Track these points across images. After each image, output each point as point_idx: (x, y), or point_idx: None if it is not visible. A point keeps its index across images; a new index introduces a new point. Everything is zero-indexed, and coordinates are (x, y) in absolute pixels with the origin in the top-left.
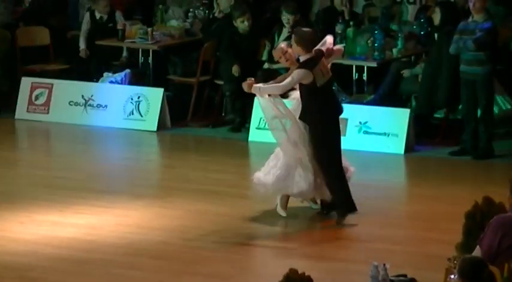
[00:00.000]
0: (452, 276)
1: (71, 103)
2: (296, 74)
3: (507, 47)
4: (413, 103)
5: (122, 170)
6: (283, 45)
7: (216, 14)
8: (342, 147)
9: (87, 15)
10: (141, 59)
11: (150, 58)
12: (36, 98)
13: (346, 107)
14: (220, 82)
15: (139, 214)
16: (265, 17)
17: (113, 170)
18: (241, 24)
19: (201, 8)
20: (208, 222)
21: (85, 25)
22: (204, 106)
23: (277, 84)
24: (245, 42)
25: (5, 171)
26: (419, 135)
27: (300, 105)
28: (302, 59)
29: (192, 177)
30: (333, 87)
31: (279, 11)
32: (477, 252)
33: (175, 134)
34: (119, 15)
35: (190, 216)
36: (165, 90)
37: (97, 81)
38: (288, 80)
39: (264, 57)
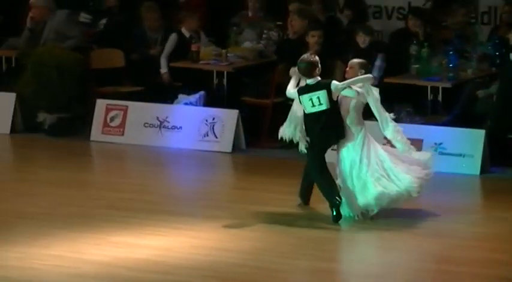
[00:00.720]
0: None
1: (146, 125)
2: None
3: None
4: (488, 123)
5: (196, 192)
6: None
7: (290, 36)
8: None
9: (173, 36)
10: (215, 81)
11: (225, 80)
12: (111, 119)
13: (421, 128)
14: None
15: (213, 236)
16: (338, 38)
17: (187, 192)
18: (312, 39)
19: (275, 30)
20: (282, 245)
21: (170, 46)
22: (278, 127)
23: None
24: None
25: (80, 193)
26: (494, 156)
27: None
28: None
29: (266, 199)
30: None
31: (353, 33)
32: None
33: (249, 155)
34: (203, 35)
35: (264, 238)
36: (239, 112)
37: (172, 102)
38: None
39: (338, 77)
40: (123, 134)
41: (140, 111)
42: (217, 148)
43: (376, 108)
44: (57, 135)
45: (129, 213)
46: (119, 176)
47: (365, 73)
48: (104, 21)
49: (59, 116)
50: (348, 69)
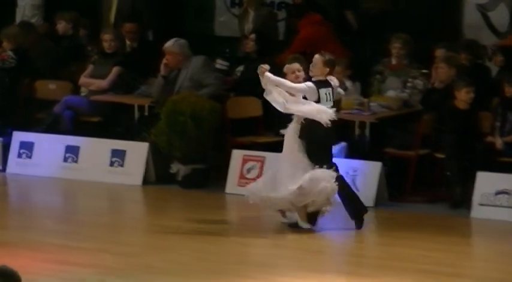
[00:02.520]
0: None
1: None
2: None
3: None
4: None
5: (337, 247)
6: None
7: (435, 84)
8: None
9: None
10: (357, 131)
11: (367, 130)
12: (248, 171)
13: None
14: (441, 156)
15: None
16: (485, 87)
17: (330, 247)
18: (466, 95)
19: (420, 78)
20: None
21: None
22: (423, 180)
23: (288, 81)
24: (464, 116)
25: (215, 247)
26: None
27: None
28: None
29: (409, 255)
30: None
31: (502, 82)
32: None
33: (393, 210)
34: (349, 83)
35: None
36: (382, 164)
37: None
38: (301, 85)
39: (486, 129)
40: None
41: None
42: None
43: None
44: (191, 187)
45: (265, 270)
46: (254, 230)
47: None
48: (241, 68)
49: (194, 167)
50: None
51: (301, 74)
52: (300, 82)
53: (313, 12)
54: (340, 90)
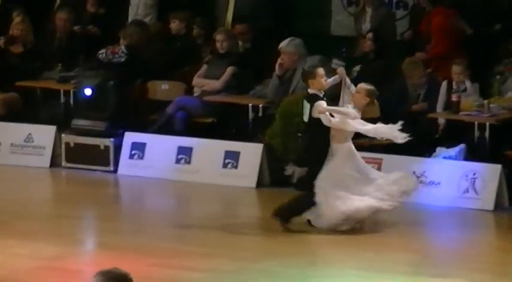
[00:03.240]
0: None
1: None
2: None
3: None
4: None
5: (456, 253)
6: None
7: None
8: None
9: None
10: (476, 133)
11: (487, 132)
12: None
13: None
14: None
15: None
16: None
17: (448, 253)
18: None
19: None
20: None
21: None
22: None
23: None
24: None
25: (331, 252)
26: None
27: None
28: None
29: None
30: None
31: None
32: None
33: None
34: (468, 83)
35: None
36: (502, 167)
37: (429, 156)
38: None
39: None
40: None
41: (396, 164)
42: (478, 205)
43: None
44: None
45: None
46: (372, 233)
47: (370, 101)
48: (357, 68)
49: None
50: (354, 93)
51: None
52: None
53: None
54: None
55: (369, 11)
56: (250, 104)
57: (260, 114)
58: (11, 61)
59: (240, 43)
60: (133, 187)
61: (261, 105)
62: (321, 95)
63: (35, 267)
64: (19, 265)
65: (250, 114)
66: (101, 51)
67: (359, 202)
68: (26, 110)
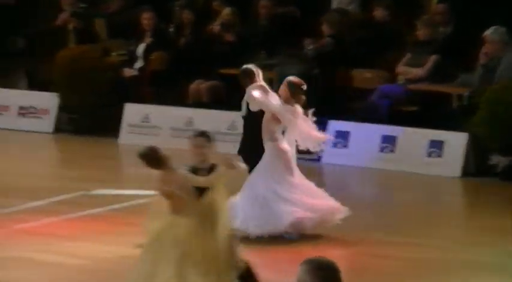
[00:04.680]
0: None
1: None
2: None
3: None
4: None
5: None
6: None
7: None
8: None
9: None
10: None
11: None
12: None
13: None
14: None
15: None
16: None
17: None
18: None
19: None
20: None
21: None
22: None
23: None
24: None
25: None
26: None
27: None
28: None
29: None
30: None
31: None
32: None
33: None
34: None
35: None
36: None
37: None
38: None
39: None
40: None
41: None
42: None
43: None
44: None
45: None
46: None
47: (294, 93)
48: None
49: None
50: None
51: None
52: None
53: None
54: None
55: None
56: (454, 93)
57: (465, 103)
58: (223, 48)
59: (441, 29)
60: (337, 175)
61: (465, 94)
62: None
63: None
64: None
65: (455, 103)
66: (309, 48)
67: None
68: (227, 98)
